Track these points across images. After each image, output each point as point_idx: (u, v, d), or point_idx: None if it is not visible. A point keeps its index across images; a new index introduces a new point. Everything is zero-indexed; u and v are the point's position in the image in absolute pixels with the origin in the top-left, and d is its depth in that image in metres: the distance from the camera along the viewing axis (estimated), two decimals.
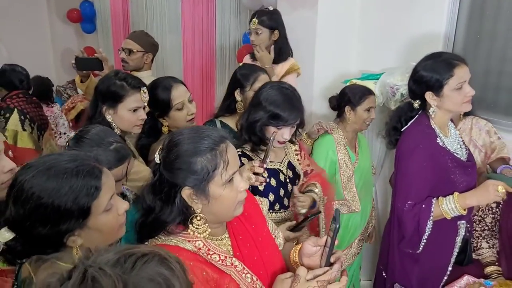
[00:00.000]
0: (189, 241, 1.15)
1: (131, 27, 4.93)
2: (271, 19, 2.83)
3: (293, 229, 1.80)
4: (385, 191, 3.06)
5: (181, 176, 1.11)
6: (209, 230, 1.17)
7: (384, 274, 2.14)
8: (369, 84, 2.83)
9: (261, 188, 1.85)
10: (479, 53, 2.83)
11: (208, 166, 1.11)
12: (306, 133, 2.47)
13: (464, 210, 1.78)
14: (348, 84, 2.90)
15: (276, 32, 2.83)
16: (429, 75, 1.80)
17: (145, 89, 1.90)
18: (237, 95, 2.23)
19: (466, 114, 2.54)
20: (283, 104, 1.75)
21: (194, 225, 1.15)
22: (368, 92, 2.46)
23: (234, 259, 1.19)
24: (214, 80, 4.26)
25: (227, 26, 4.11)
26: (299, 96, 1.83)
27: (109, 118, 1.83)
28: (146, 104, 1.90)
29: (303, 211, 1.85)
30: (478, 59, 2.84)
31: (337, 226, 1.18)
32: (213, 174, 1.11)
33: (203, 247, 1.16)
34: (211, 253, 1.16)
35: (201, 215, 1.14)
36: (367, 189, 2.63)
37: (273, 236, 1.39)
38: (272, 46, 2.81)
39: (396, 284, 1.89)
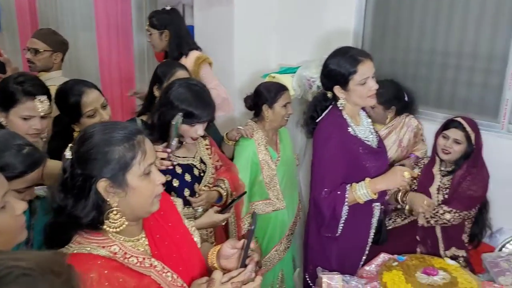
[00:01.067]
0: (103, 247, 1.12)
1: (40, 25, 4.64)
2: (159, 19, 2.84)
3: (221, 211, 1.83)
4: (308, 180, 3.18)
5: (97, 167, 1.08)
6: (126, 223, 1.13)
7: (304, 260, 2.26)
8: (287, 77, 2.91)
9: (176, 184, 1.86)
10: (386, 45, 3.03)
11: (126, 155, 1.09)
12: (226, 133, 2.49)
13: (375, 194, 1.91)
14: (264, 80, 2.96)
15: (166, 32, 2.82)
16: (336, 70, 1.90)
17: (43, 98, 1.77)
18: (156, 91, 2.21)
19: (402, 112, 2.71)
20: (195, 102, 1.77)
21: (110, 220, 1.11)
22: (282, 88, 2.52)
23: (153, 259, 1.17)
24: (133, 79, 4.14)
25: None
26: (208, 91, 1.85)
27: (2, 121, 1.74)
28: (43, 114, 1.78)
29: (200, 210, 1.88)
30: (386, 51, 3.04)
31: (253, 228, 1.21)
32: (131, 164, 1.10)
33: (119, 251, 1.13)
34: (128, 256, 1.13)
35: (118, 208, 1.11)
36: (292, 184, 2.70)
37: (191, 232, 1.39)
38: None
39: (318, 267, 1.98)
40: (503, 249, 2.46)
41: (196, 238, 1.39)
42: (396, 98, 2.65)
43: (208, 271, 1.29)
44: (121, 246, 1.14)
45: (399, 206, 2.45)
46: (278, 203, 2.49)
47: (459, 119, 2.41)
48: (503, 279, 2.14)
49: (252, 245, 1.24)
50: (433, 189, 2.47)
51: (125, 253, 1.14)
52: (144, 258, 1.16)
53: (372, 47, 3.07)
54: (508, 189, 2.47)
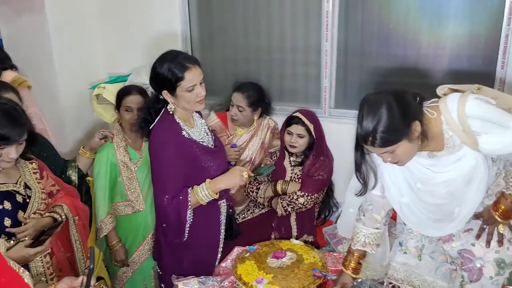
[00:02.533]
0: None
1: None
2: None
3: (32, 244, 1.66)
4: None
5: None
6: None
7: (158, 270, 2.19)
8: (119, 86, 2.79)
9: None
10: (214, 45, 3.11)
11: None
12: (83, 147, 2.43)
13: (216, 194, 1.94)
14: (96, 89, 2.80)
15: None
16: (163, 76, 1.87)
17: None
18: None
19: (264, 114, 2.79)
20: (3, 121, 1.57)
21: None
22: (125, 92, 2.47)
23: None
24: None
25: None
26: (21, 110, 1.68)
27: None
28: None
29: (27, 241, 1.70)
30: (216, 50, 3.12)
31: (91, 266, 1.18)
32: None
33: None
34: None
35: None
36: None
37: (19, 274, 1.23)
38: None
39: (173, 275, 1.93)
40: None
41: (27, 280, 1.25)
42: (261, 100, 2.74)
43: None
44: None
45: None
46: (138, 205, 2.45)
47: (298, 114, 2.60)
48: (342, 247, 2.38)
49: (92, 282, 1.16)
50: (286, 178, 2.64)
51: None
52: None
53: (201, 48, 3.12)
54: (337, 166, 2.75)
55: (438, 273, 1.97)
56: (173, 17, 3.03)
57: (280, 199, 2.58)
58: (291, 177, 2.65)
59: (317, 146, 2.61)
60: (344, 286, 1.94)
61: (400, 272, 2.04)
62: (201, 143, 1.99)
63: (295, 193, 2.55)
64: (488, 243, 1.78)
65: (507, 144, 1.56)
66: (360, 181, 1.83)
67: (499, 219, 1.74)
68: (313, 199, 2.56)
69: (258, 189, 2.67)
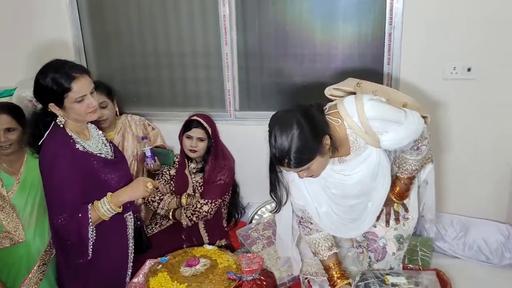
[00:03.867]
0: None
1: None
2: None
3: None
4: None
5: None
6: None
7: None
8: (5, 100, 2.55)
9: None
10: (111, 52, 2.97)
11: None
12: None
13: (120, 207, 1.83)
14: None
15: None
16: (48, 88, 1.73)
17: None
18: None
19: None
20: None
21: None
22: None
23: None
24: None
25: None
26: None
27: None
28: None
29: None
30: (113, 58, 2.98)
31: None
32: None
33: None
34: None
35: None
36: (45, 209, 2.38)
37: None
38: None
39: None
40: (253, 221, 2.75)
41: None
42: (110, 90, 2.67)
43: None
44: None
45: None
46: (17, 235, 2.19)
47: (196, 118, 2.58)
48: (256, 247, 2.40)
49: None
50: (190, 191, 2.60)
51: None
52: None
53: (96, 56, 2.97)
54: (246, 168, 2.77)
55: (347, 260, 2.07)
56: (62, 25, 2.86)
57: (184, 209, 2.53)
58: (193, 185, 2.62)
59: (214, 149, 2.60)
60: None
61: (313, 266, 2.11)
62: (99, 155, 1.88)
63: (198, 202, 2.52)
64: (387, 222, 1.92)
65: (403, 137, 1.68)
66: (275, 200, 1.86)
67: (395, 200, 1.89)
68: (217, 205, 2.54)
69: (161, 199, 2.59)
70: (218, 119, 2.76)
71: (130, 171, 2.14)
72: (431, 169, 2.03)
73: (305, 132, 1.56)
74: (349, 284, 1.87)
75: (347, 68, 2.67)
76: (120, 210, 1.84)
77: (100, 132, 2.01)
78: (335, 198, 1.84)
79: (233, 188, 2.75)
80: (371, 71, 2.62)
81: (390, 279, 1.83)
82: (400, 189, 1.88)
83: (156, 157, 2.62)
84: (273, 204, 2.45)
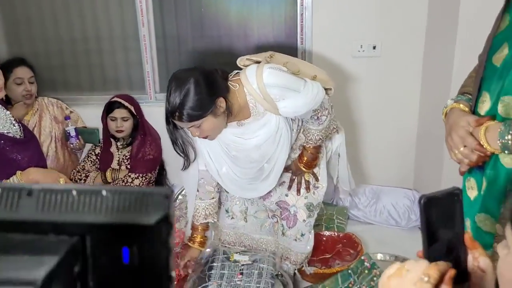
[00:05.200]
0: None
1: None
2: None
3: None
4: None
5: None
6: None
7: None
8: None
9: None
10: (22, 38, 2.86)
11: None
12: None
13: None
14: None
15: None
16: None
17: None
18: None
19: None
20: None
21: None
22: None
23: None
24: None
25: None
26: None
27: None
28: None
29: None
30: (24, 44, 2.87)
31: None
32: None
33: None
34: None
35: None
36: None
37: None
38: None
39: None
40: (177, 200, 2.78)
41: None
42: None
43: None
44: None
45: None
46: None
47: (116, 99, 2.57)
48: (178, 225, 2.44)
49: None
50: (114, 164, 2.61)
51: None
52: None
53: (7, 42, 2.85)
54: (169, 149, 2.78)
55: (263, 230, 2.16)
56: None
57: (114, 185, 2.52)
58: (118, 160, 2.62)
59: (141, 126, 2.62)
60: (192, 259, 2.00)
61: (230, 235, 2.18)
62: (7, 134, 1.82)
63: (129, 176, 2.52)
64: (298, 191, 2.02)
65: (301, 105, 1.77)
66: (180, 155, 1.89)
67: (304, 169, 1.99)
68: (147, 179, 2.57)
69: (87, 176, 2.58)
70: (139, 101, 2.75)
71: (41, 150, 2.10)
72: (342, 141, 2.15)
73: (200, 89, 1.61)
74: (200, 251, 2.03)
75: (263, 47, 2.75)
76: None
77: (8, 112, 1.95)
78: (236, 161, 1.92)
79: (161, 167, 2.77)
80: (286, 49, 2.70)
81: (236, 256, 1.99)
82: (307, 159, 1.98)
83: (80, 136, 2.63)
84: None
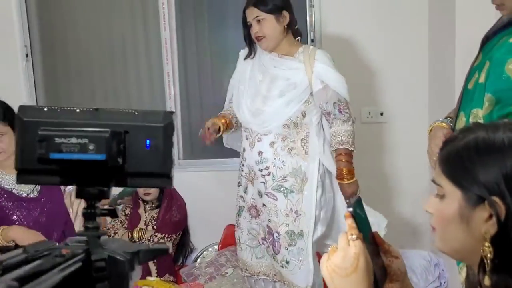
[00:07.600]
0: None
1: None
2: None
3: None
4: None
5: None
6: None
7: None
8: None
9: None
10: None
11: None
12: None
13: (8, 242, 1.70)
14: None
15: None
16: None
17: None
18: None
19: None
20: None
21: None
22: None
23: None
24: None
25: None
26: None
27: None
28: None
29: None
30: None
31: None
32: None
33: None
34: None
35: None
36: None
37: None
38: None
39: None
40: (197, 260, 2.84)
41: None
42: None
43: None
44: None
45: None
46: None
47: None
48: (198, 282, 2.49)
49: None
50: (141, 224, 2.73)
51: None
52: None
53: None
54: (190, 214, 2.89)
55: (258, 255, 2.20)
56: None
57: (140, 243, 2.60)
58: (145, 221, 2.74)
59: (168, 190, 2.74)
60: (212, 128, 2.11)
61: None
62: (13, 190, 1.81)
63: (155, 235, 2.63)
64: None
65: (331, 74, 2.04)
66: (247, 45, 2.15)
67: (347, 181, 2.05)
68: (171, 240, 2.68)
69: (115, 234, 2.69)
70: None
71: (59, 209, 1.97)
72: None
73: None
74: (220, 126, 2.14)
75: None
76: (9, 244, 1.70)
77: None
78: (257, 85, 2.10)
79: (185, 229, 2.87)
80: None
81: None
82: (343, 168, 2.01)
83: None
84: (215, 246, 2.71)
